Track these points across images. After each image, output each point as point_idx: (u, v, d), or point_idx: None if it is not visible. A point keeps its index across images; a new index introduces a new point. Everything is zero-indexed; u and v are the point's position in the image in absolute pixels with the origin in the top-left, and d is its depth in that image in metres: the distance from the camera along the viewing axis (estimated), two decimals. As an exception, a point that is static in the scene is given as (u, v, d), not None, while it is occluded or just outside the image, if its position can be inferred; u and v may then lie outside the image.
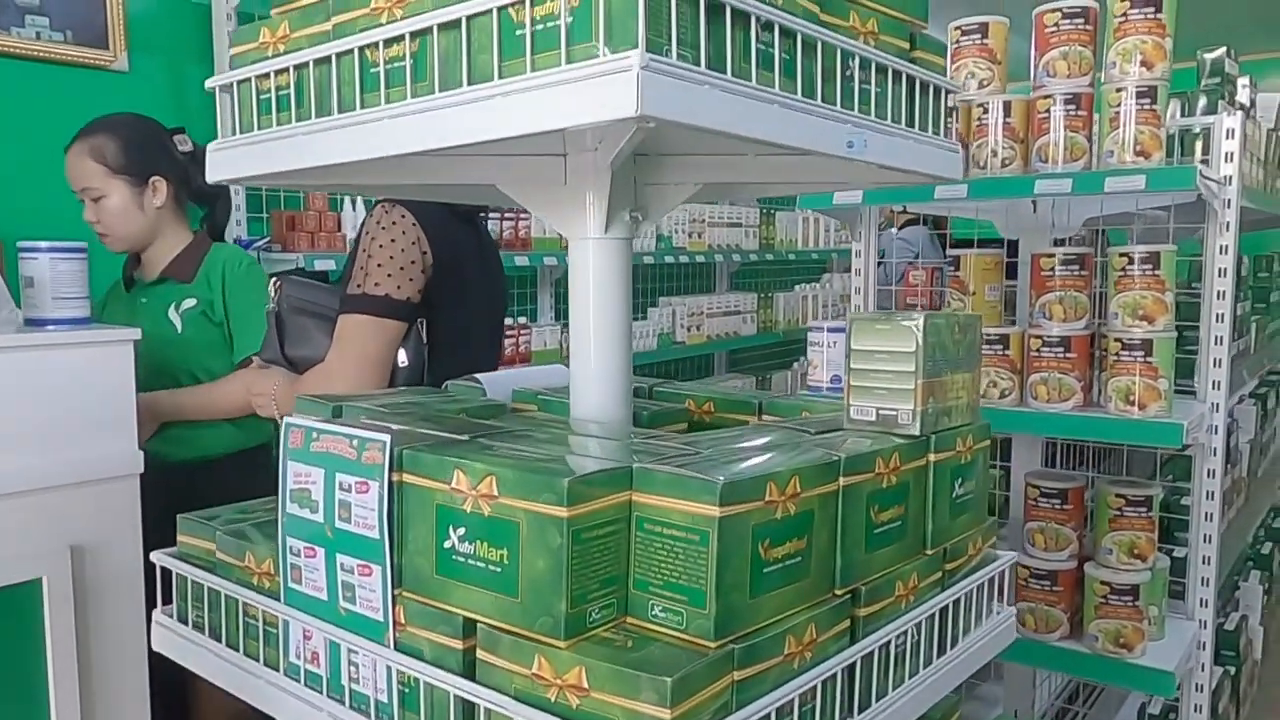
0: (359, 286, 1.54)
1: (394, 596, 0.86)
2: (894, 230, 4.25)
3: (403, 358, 1.58)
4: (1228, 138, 2.10)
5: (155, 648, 1.14)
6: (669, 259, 4.43)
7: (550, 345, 3.83)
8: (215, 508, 1.17)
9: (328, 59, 0.94)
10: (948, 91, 1.14)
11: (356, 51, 0.91)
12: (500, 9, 0.79)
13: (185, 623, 1.11)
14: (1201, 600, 2.20)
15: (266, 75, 1.01)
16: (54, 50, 2.79)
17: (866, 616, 0.93)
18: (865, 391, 1.04)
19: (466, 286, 1.78)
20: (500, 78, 0.79)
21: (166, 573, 1.13)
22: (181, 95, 3.06)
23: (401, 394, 1.27)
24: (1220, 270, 2.13)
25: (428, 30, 0.85)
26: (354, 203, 3.13)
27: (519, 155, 1.11)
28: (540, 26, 0.76)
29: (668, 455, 0.84)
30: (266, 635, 0.99)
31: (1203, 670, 2.20)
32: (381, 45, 0.88)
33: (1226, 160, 2.11)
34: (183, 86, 3.07)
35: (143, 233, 2.13)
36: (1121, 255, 1.96)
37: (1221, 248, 2.13)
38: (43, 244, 1.68)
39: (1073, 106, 2.00)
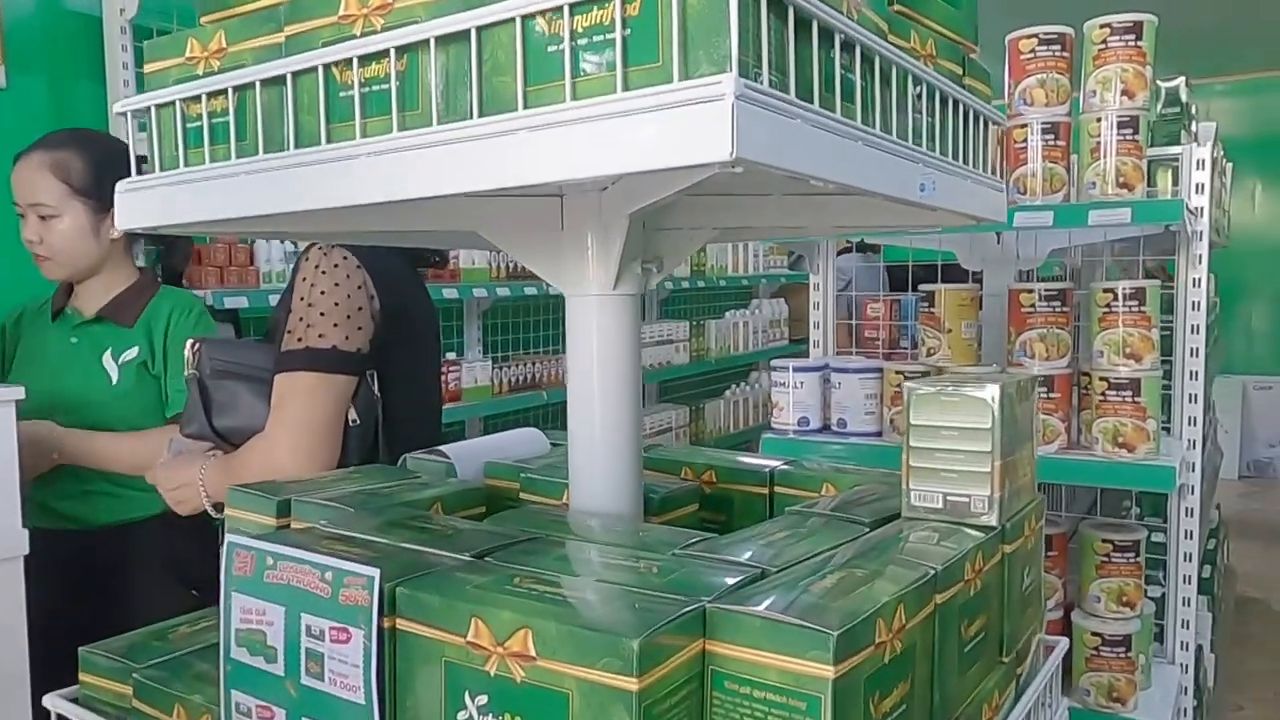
0: (300, 340, 1.31)
1: (386, 778, 0.66)
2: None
3: (352, 415, 1.36)
4: (1198, 168, 2.06)
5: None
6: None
7: (481, 382, 3.61)
8: (126, 634, 0.94)
9: (280, 79, 0.74)
10: (994, 123, 1.01)
11: (321, 70, 0.71)
12: (525, 17, 0.61)
13: (92, 787, 0.87)
14: (1183, 643, 2.13)
15: (197, 98, 0.80)
16: (-83, 64, 2.47)
17: (959, 756, 0.77)
18: (930, 474, 0.89)
19: (415, 331, 1.57)
20: (525, 107, 0.61)
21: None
22: (66, 115, 2.75)
23: (358, 477, 1.06)
24: (1194, 304, 2.08)
25: (422, 45, 0.66)
26: (267, 233, 2.86)
27: (505, 196, 0.92)
28: (585, 41, 0.59)
29: (731, 581, 0.67)
30: (204, 814, 0.77)
31: (1185, 716, 2.14)
32: (356, 63, 0.69)
33: (1198, 191, 2.06)
34: (68, 105, 2.77)
35: (91, 263, 1.90)
36: (1106, 291, 1.88)
37: (1195, 281, 2.08)
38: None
39: (1051, 136, 1.92)
